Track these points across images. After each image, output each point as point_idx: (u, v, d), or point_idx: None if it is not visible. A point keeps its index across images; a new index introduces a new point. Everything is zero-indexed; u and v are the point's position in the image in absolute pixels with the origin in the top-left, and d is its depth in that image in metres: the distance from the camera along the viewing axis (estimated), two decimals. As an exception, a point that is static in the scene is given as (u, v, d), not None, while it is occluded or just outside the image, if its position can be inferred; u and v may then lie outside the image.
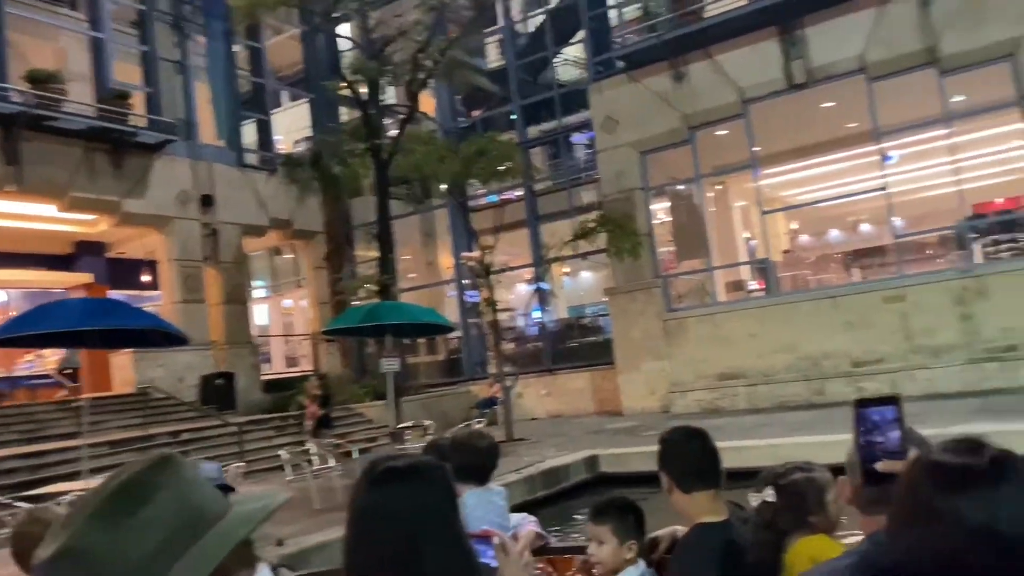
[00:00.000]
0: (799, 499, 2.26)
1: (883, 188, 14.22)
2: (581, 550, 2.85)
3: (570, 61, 21.26)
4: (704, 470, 2.38)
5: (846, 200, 17.08)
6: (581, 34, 18.57)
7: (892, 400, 1.43)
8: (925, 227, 15.76)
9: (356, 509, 1.42)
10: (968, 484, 1.02)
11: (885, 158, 14.24)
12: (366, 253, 19.75)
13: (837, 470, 1.82)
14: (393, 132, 15.92)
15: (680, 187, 16.98)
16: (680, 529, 2.56)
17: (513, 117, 19.71)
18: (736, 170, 16.55)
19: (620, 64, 16.26)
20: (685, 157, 15.73)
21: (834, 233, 20.34)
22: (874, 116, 13.95)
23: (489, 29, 21.08)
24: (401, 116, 14.54)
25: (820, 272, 17.77)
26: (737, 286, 16.96)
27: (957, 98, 13.60)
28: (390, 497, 1.39)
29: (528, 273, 19.80)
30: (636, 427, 13.58)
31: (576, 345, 19.20)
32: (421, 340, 20.12)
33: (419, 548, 1.36)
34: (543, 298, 19.36)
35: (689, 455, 2.40)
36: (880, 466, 1.37)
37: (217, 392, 16.31)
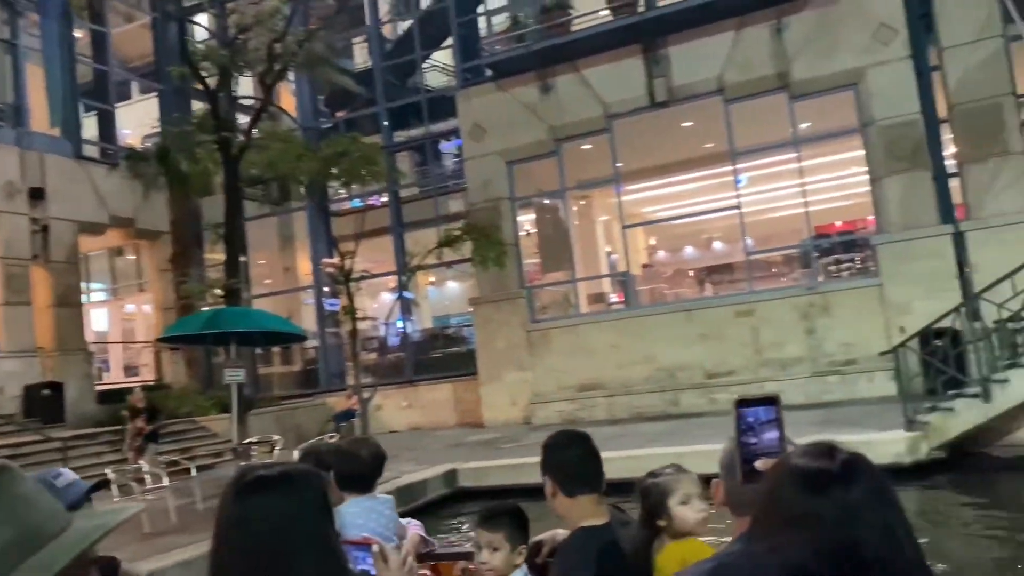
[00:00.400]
0: (644, 503, 2.38)
1: (737, 207, 14.73)
2: (466, 555, 2.83)
3: (439, 67, 20.99)
4: (587, 474, 2.38)
5: (702, 218, 17.70)
6: (450, 40, 18.32)
7: (771, 400, 1.45)
8: (774, 246, 16.48)
9: (223, 520, 1.35)
10: (823, 486, 1.07)
11: (737, 180, 14.76)
12: (217, 256, 18.65)
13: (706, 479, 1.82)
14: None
15: (546, 201, 17.03)
16: (561, 533, 2.56)
17: (385, 123, 19.18)
18: (600, 185, 16.77)
19: (488, 72, 16.13)
20: (551, 169, 15.78)
21: (689, 249, 21.03)
22: (730, 137, 14.44)
23: (356, 30, 20.51)
24: (255, 109, 13.72)
25: (676, 286, 18.28)
26: (599, 298, 17.17)
27: (805, 124, 14.30)
28: (258, 507, 1.33)
29: (393, 281, 19.30)
30: (497, 439, 13.39)
31: (439, 356, 18.85)
32: (276, 349, 19.20)
33: (288, 559, 1.30)
34: (406, 307, 18.91)
35: (573, 459, 2.39)
36: (759, 464, 1.37)
37: (43, 403, 14.84)
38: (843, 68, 13.45)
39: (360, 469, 3.06)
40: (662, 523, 2.33)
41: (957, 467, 9.17)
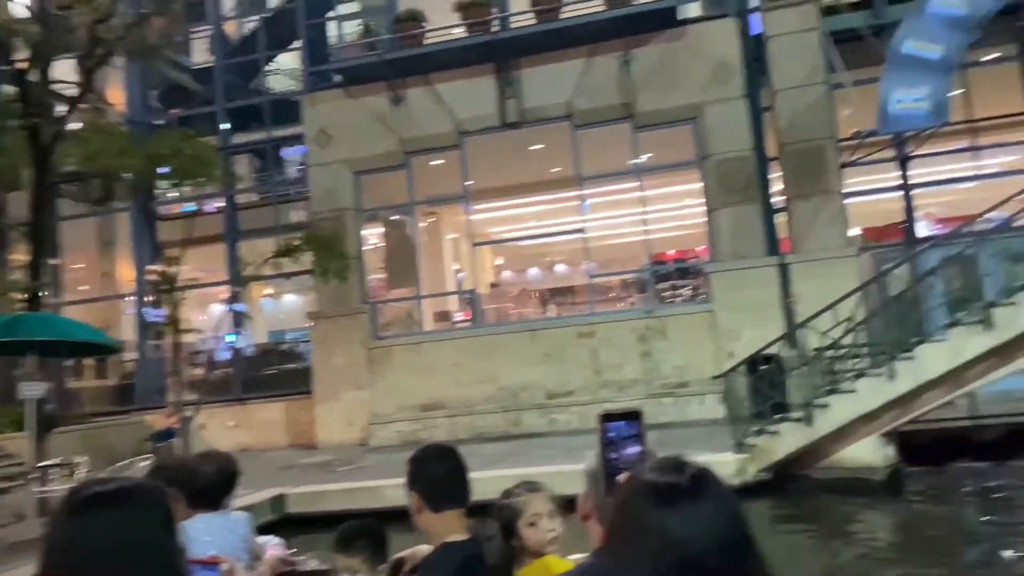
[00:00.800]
0: (498, 523, 2.44)
1: (581, 231, 14.98)
2: (323, 573, 2.86)
3: (285, 71, 20.15)
4: (454, 488, 2.37)
5: (549, 240, 17.92)
6: (298, 43, 17.59)
7: (634, 415, 1.49)
8: (615, 270, 16.91)
9: (53, 540, 1.25)
10: (673, 500, 1.09)
11: (583, 205, 15.02)
12: (27, 257, 16.82)
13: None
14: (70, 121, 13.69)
15: (395, 216, 16.64)
16: (424, 549, 2.53)
17: (226, 126, 18.08)
18: (449, 201, 16.59)
19: (337, 78, 15.59)
20: (400, 182, 15.42)
21: (535, 271, 21.28)
22: (577, 163, 14.68)
23: (197, 25, 19.34)
24: (72, 96, 12.47)
25: (522, 306, 18.38)
26: (444, 316, 16.94)
27: (648, 154, 14.77)
28: (93, 525, 1.23)
29: (225, 292, 18.19)
30: (331, 461, 12.78)
31: (273, 372, 17.92)
32: (88, 361, 17.56)
33: None
34: (238, 320, 17.85)
35: (441, 474, 2.38)
36: (621, 478, 1.38)
37: None
38: (684, 103, 14.00)
39: (207, 484, 2.97)
40: (515, 542, 2.39)
41: (781, 488, 9.58)
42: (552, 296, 18.95)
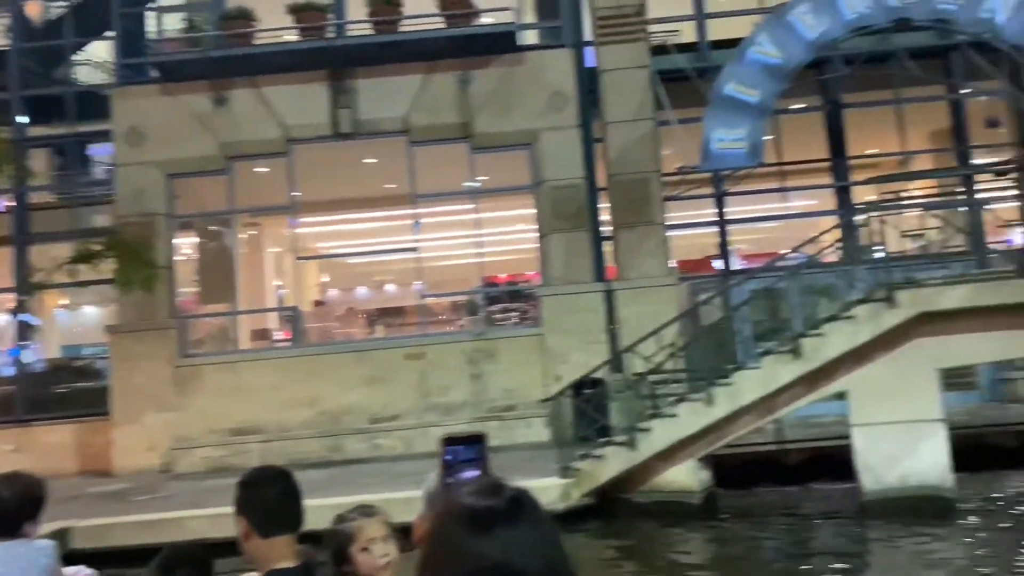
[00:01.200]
0: (331, 548, 2.44)
1: (414, 251, 14.67)
2: None
3: (95, 62, 18.46)
4: (286, 514, 2.29)
5: (379, 258, 17.46)
6: (112, 32, 16.15)
7: (476, 439, 1.62)
8: (446, 291, 16.70)
9: None
10: (489, 524, 1.08)
11: (416, 223, 14.73)
12: None
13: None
14: None
15: (212, 226, 15.54)
16: None
17: (25, 120, 16.18)
18: (273, 212, 15.75)
19: (154, 73, 14.41)
20: (219, 189, 14.43)
21: (363, 289, 20.70)
22: (412, 180, 14.37)
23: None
24: None
25: (347, 326, 17.76)
26: (263, 335, 16.03)
27: (484, 176, 14.73)
28: None
29: (12, 301, 16.22)
30: (126, 490, 11.60)
31: (64, 391, 16.12)
32: None
33: None
34: (25, 332, 15.96)
35: (272, 498, 2.29)
36: None
37: None
38: (520, 128, 14.07)
39: (5, 509, 2.84)
40: (346, 568, 2.36)
41: (604, 513, 9.65)
42: (380, 316, 18.47)
